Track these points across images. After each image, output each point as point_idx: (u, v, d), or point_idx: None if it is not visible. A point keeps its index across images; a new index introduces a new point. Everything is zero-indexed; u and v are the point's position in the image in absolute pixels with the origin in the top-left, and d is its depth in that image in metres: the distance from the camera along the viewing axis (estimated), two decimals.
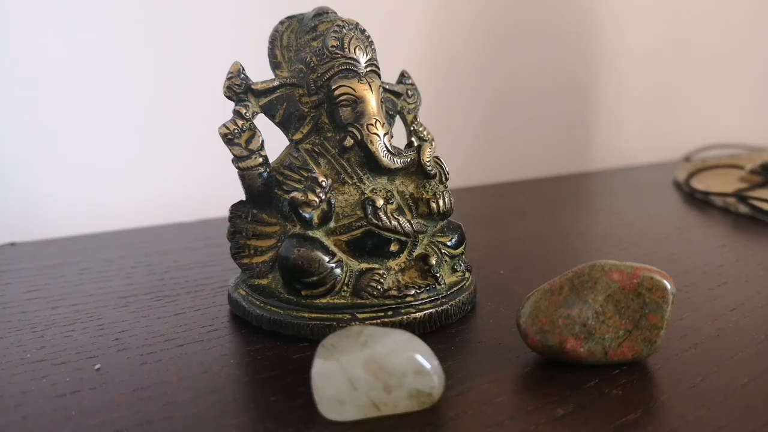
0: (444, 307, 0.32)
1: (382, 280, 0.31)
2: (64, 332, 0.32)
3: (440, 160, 0.34)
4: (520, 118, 0.78)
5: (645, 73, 0.89)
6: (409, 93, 0.37)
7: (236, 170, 0.32)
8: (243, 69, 0.32)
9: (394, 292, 0.31)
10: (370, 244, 0.31)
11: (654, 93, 0.91)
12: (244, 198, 0.32)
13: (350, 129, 0.31)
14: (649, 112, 0.91)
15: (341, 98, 0.31)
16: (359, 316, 0.30)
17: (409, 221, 0.32)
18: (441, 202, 0.33)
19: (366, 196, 0.32)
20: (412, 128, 0.37)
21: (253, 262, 0.32)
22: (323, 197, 0.30)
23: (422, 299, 0.31)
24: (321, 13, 0.33)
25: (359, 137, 0.31)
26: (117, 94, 0.54)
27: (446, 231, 0.34)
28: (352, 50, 0.32)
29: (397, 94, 0.36)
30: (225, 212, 0.33)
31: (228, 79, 0.32)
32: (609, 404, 0.25)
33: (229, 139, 0.31)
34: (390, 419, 0.23)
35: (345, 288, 0.31)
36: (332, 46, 0.31)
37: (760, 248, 0.45)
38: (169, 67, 0.55)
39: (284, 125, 0.33)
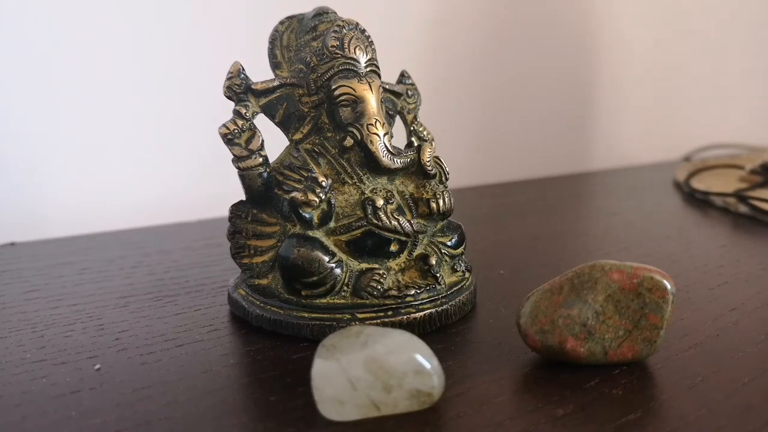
0: (444, 307, 0.32)
1: (382, 280, 0.31)
2: (64, 332, 0.32)
3: (440, 160, 0.34)
4: (520, 118, 0.78)
5: (645, 73, 0.89)
6: (409, 93, 0.37)
7: (236, 170, 0.32)
8: (243, 69, 0.32)
9: (394, 292, 0.31)
10: (370, 244, 0.31)
11: (654, 93, 0.91)
12: (244, 198, 0.32)
13: (350, 129, 0.31)
14: (649, 112, 0.91)
15: (341, 98, 0.31)
16: (359, 316, 0.30)
17: (409, 221, 0.32)
18: (441, 202, 0.33)
19: (366, 196, 0.32)
20: (412, 128, 0.37)
21: (253, 262, 0.32)
22: (323, 197, 0.30)
23: (422, 299, 0.31)
24: (321, 13, 0.33)
25: (359, 137, 0.31)
26: (117, 94, 0.54)
27: (446, 231, 0.34)
28: (352, 50, 0.32)
29: (397, 94, 0.36)
30: (225, 212, 0.33)
31: (228, 79, 0.32)
32: (609, 404, 0.25)
33: (229, 139, 0.31)
34: (390, 419, 0.23)
35: (345, 288, 0.31)
36: (332, 46, 0.31)
37: (760, 248, 0.45)
38: (169, 67, 0.55)
39: (284, 125, 0.33)
